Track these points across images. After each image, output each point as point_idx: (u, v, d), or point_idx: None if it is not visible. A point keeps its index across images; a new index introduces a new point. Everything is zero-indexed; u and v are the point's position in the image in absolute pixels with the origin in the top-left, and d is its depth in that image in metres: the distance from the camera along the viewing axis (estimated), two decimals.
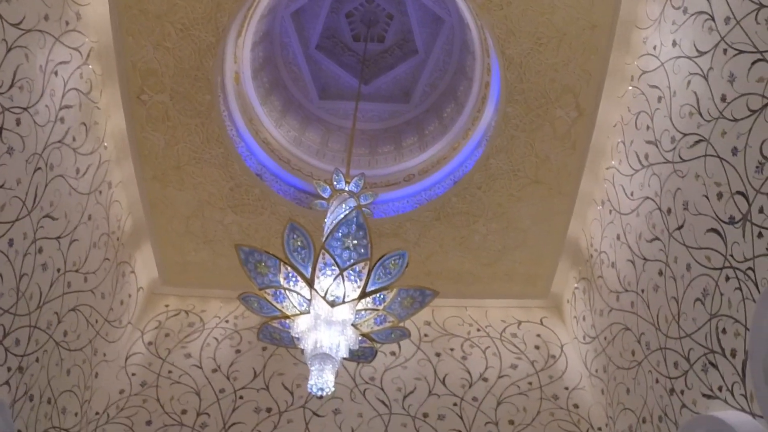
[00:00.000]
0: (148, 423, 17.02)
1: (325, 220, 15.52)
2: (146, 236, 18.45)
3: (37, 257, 12.71)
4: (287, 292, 13.77)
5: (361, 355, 15.89)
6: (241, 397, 17.82)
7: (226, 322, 19.51)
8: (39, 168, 12.51)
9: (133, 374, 17.98)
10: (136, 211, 17.70)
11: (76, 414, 15.68)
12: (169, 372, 18.20)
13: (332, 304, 13.41)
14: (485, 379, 18.76)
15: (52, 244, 13.34)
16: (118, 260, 17.07)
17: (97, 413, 16.94)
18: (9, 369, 12.04)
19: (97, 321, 16.09)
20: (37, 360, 13.07)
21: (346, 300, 13.13)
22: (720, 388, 12.85)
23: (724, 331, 12.70)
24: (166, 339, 18.98)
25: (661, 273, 14.46)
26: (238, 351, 18.87)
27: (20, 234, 12.04)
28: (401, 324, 14.49)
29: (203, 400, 17.70)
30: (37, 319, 12.91)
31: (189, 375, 18.16)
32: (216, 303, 19.93)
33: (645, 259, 15.10)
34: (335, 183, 16.69)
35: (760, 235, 11.19)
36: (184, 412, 17.44)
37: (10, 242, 11.70)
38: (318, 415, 17.61)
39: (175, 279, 19.79)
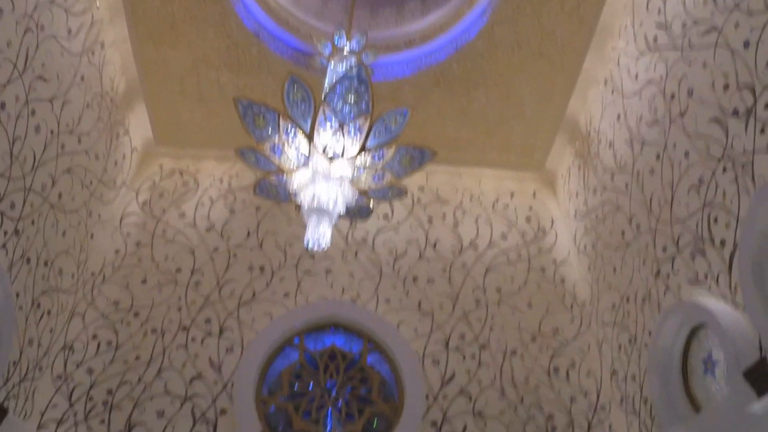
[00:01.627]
0: (143, 282, 17.48)
1: (325, 79, 15.15)
2: (140, 97, 18.11)
3: (29, 120, 12.53)
4: (285, 146, 13.68)
5: (358, 212, 16.07)
6: (234, 256, 18.19)
7: (221, 181, 19.56)
8: (29, 29, 12.04)
9: (128, 234, 18.26)
10: (129, 72, 17.28)
11: (72, 275, 16.06)
12: (164, 231, 18.47)
13: (331, 159, 13.42)
14: (475, 247, 19.13)
15: (45, 106, 13.12)
16: (112, 121, 16.84)
17: (92, 274, 17.40)
18: (5, 233, 12.20)
19: (91, 182, 16.07)
20: (32, 223, 13.19)
21: (344, 155, 13.12)
22: (705, 276, 13.14)
23: (716, 220, 12.83)
24: (160, 199, 19.08)
25: (658, 157, 14.41)
26: (232, 211, 19.06)
27: (12, 97, 11.83)
28: (399, 182, 14.55)
29: (197, 259, 18.10)
30: (32, 182, 12.89)
31: (183, 234, 18.44)
32: (210, 162, 19.89)
33: (643, 142, 15.00)
34: (336, 41, 16.16)
35: (762, 130, 11.07)
36: (178, 270, 17.89)
37: (2, 105, 11.53)
38: (310, 275, 18.04)
39: (169, 139, 19.58)
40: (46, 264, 14.07)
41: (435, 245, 19.03)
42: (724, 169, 12.28)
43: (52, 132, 13.44)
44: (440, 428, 16.06)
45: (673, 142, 13.83)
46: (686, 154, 13.41)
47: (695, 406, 13.88)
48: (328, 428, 16.07)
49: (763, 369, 11.03)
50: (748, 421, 11.47)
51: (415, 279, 18.37)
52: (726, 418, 12.35)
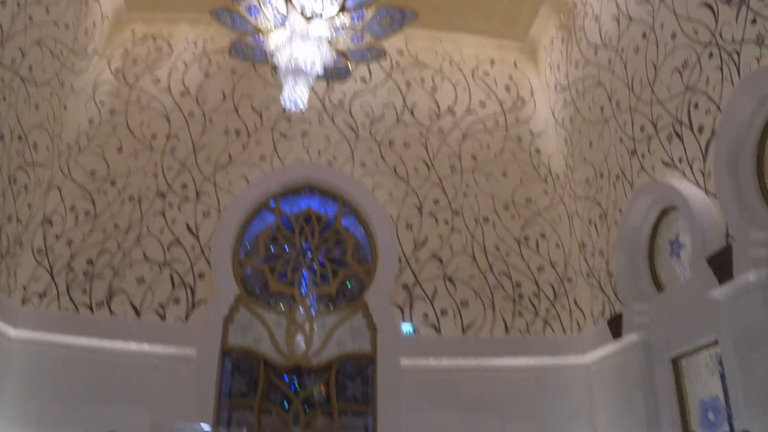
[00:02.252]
0: (119, 150, 17.28)
1: None
2: None
3: None
4: (262, 6, 13.25)
5: (335, 73, 15.84)
6: (210, 120, 17.95)
7: (195, 45, 18.93)
8: None
9: (102, 103, 17.82)
10: None
11: (47, 148, 15.77)
12: (138, 98, 18.06)
13: (309, 18, 13.04)
14: (453, 113, 19.07)
15: None
16: None
17: (68, 145, 17.12)
18: None
19: (62, 52, 15.41)
20: (4, 99, 12.73)
21: (323, 15, 12.74)
22: (680, 160, 13.32)
23: (696, 106, 12.88)
24: (133, 66, 18.50)
25: (644, 36, 14.20)
26: (207, 74, 18.61)
27: None
28: (378, 44, 14.24)
29: (172, 124, 17.85)
30: (1, 57, 12.33)
31: (158, 100, 18.06)
32: (184, 26, 19.16)
33: (631, 18, 14.70)
34: None
35: (754, 21, 10.94)
36: (153, 136, 17.68)
37: None
38: (286, 138, 17.95)
39: (140, 4, 18.64)
40: (20, 139, 13.76)
41: (412, 110, 18.92)
42: (711, 55, 12.18)
43: (18, 4, 12.61)
44: (411, 291, 16.60)
45: (661, 22, 13.59)
46: (673, 35, 13.21)
47: (658, 286, 14.43)
48: (303, 290, 16.50)
49: (727, 256, 11.42)
50: (708, 305, 12.04)
51: (391, 143, 18.37)
52: (686, 300, 12.93)
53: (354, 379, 15.97)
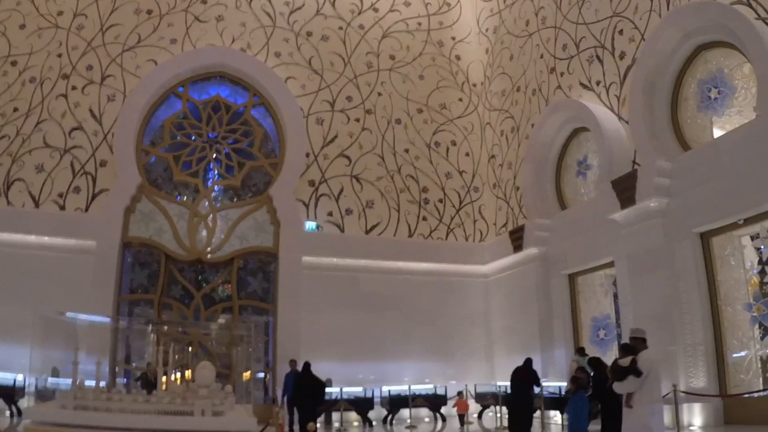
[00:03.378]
0: (22, 27, 15.70)
1: None
2: None
3: None
4: None
5: None
6: None
7: None
8: None
9: None
10: None
11: None
12: None
13: None
14: (375, 9, 18.42)
15: None
16: None
17: None
18: None
19: None
20: None
21: None
22: (598, 83, 13.52)
23: (621, 32, 12.97)
24: None
25: None
26: None
27: None
28: None
29: (81, 1, 16.26)
30: None
31: None
32: None
33: None
34: None
35: None
36: (60, 13, 16.13)
37: None
38: (200, 21, 16.93)
39: None
40: None
41: (334, 2, 18.13)
42: None
43: None
44: (317, 187, 16.40)
45: None
46: None
47: (562, 203, 14.82)
48: (209, 181, 16.03)
49: (632, 182, 11.86)
50: (608, 227, 12.56)
51: (309, 35, 17.66)
52: (588, 220, 13.40)
53: (255, 275, 15.81)
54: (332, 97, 17.32)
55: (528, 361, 11.38)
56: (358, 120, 17.39)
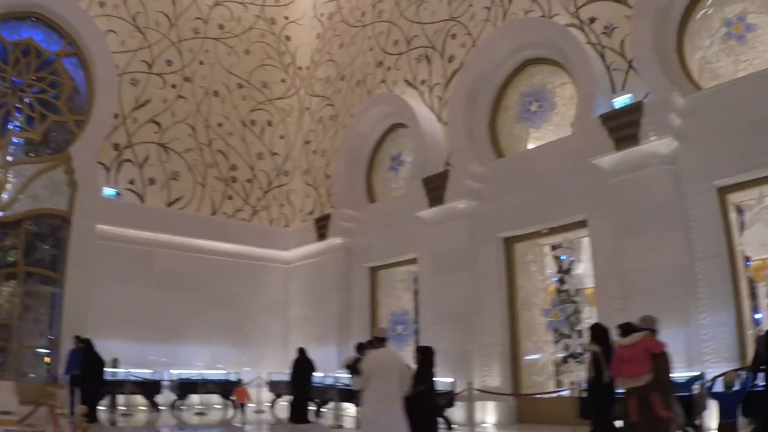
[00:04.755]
0: None
1: None
2: None
3: None
4: None
5: None
6: None
7: None
8: None
9: None
10: None
11: None
12: None
13: None
14: None
15: None
16: None
17: None
18: None
19: None
20: None
21: None
22: (423, 82, 13.75)
23: (454, 36, 13.22)
24: None
25: None
26: None
27: None
28: None
29: None
30: None
31: None
32: None
33: None
34: None
35: None
36: None
37: None
38: None
39: None
40: None
41: None
42: None
43: None
44: (122, 152, 15.22)
45: None
46: None
47: (371, 196, 14.89)
48: (3, 131, 14.35)
49: (442, 182, 12.16)
50: (415, 224, 12.80)
51: None
52: (396, 215, 13.54)
53: (46, 240, 14.24)
54: (151, 58, 16.17)
55: (302, 351, 11.49)
56: (174, 86, 16.36)
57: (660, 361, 6.16)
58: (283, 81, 18.06)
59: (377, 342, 6.60)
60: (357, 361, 6.58)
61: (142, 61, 16.08)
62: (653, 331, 6.41)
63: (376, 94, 15.04)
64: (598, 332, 8.10)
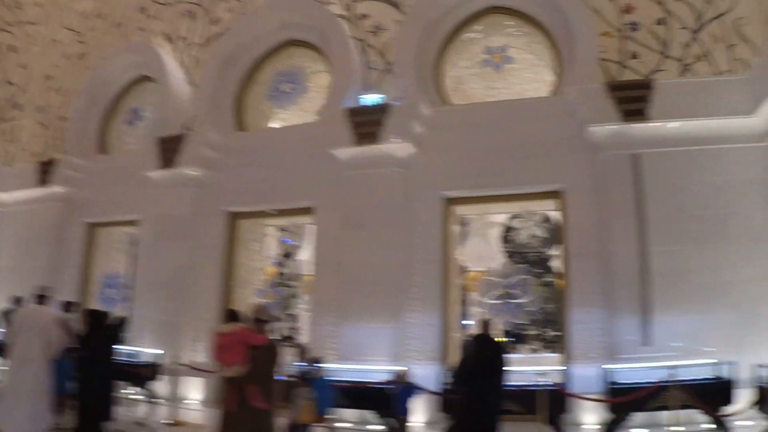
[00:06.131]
0: None
1: None
2: None
3: None
4: None
5: None
6: None
7: None
8: None
9: None
10: None
11: None
12: None
13: None
14: None
15: None
16: None
17: None
18: None
19: None
20: None
21: None
22: (183, 39, 13.31)
23: None
24: None
25: None
26: None
27: None
28: None
29: None
30: None
31: None
32: None
33: None
34: None
35: None
36: None
37: None
38: None
39: None
40: None
41: None
42: None
43: None
44: None
45: None
46: None
47: (103, 147, 13.81)
48: None
49: (178, 144, 11.62)
50: (143, 184, 12.05)
51: None
52: (125, 172, 12.66)
53: None
54: None
55: None
56: None
57: (260, 353, 6.04)
58: (38, 5, 16.01)
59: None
60: (8, 313, 5.88)
61: None
62: (261, 322, 6.25)
63: (131, 42, 13.96)
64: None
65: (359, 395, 8.71)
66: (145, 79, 13.70)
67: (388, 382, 8.25)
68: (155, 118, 12.67)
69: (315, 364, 7.86)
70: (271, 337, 6.32)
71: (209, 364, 10.41)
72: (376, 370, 8.94)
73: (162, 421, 9.16)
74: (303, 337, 11.45)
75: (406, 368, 8.17)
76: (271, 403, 6.05)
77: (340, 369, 9.10)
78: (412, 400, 7.84)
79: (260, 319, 6.23)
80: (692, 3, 10.46)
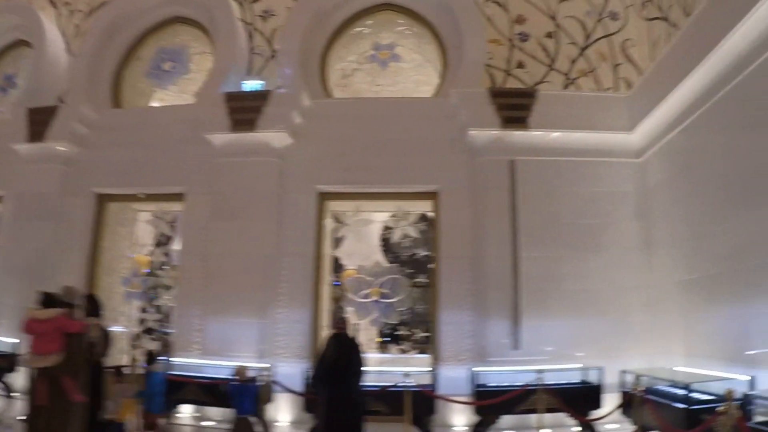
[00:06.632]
0: None
1: None
2: None
3: None
4: None
5: None
6: None
7: None
8: None
9: None
10: None
11: None
12: None
13: None
14: None
15: None
16: None
17: None
18: None
19: None
20: None
21: None
22: (66, 4, 12.43)
23: None
24: None
25: None
26: None
27: None
28: None
29: None
30: None
31: None
32: None
33: None
34: None
35: None
36: None
37: None
38: None
39: None
40: None
41: None
42: None
43: None
44: None
45: None
46: None
47: None
48: None
49: (49, 117, 10.82)
50: (7, 157, 11.07)
51: None
52: None
53: None
54: None
55: None
56: None
57: (75, 341, 5.59)
58: None
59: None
60: None
61: None
62: (72, 306, 5.81)
63: (10, 2, 13.05)
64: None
65: (202, 391, 8.36)
66: (24, 44, 12.80)
67: (228, 379, 7.78)
68: (28, 87, 11.77)
69: (157, 358, 7.40)
70: (92, 323, 5.79)
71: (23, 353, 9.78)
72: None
73: (18, 418, 7.87)
74: (169, 330, 10.88)
75: (247, 365, 7.68)
76: (85, 396, 5.54)
77: (204, 365, 8.74)
78: (255, 398, 7.36)
79: (69, 303, 5.71)
80: (583, 21, 10.70)
